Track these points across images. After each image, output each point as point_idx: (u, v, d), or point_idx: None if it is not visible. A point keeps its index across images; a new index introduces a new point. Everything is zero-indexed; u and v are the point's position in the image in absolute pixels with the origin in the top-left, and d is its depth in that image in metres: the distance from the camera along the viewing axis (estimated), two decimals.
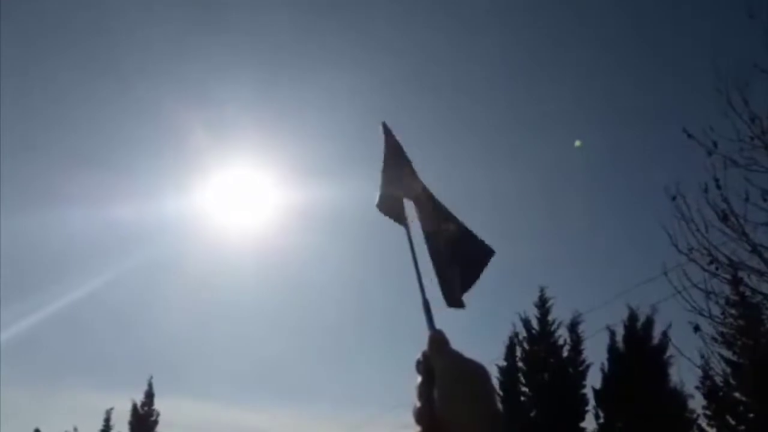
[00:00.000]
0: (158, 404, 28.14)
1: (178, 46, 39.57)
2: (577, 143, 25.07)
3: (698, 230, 8.58)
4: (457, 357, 0.85)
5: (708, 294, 8.96)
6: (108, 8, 33.87)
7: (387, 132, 1.33)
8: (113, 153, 42.23)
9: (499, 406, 0.82)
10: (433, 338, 0.90)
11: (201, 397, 37.55)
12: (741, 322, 12.55)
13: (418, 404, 0.85)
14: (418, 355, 0.89)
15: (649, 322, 20.23)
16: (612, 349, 20.60)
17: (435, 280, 1.17)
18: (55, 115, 40.99)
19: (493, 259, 1.18)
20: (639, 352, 19.72)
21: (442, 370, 0.84)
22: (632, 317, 20.50)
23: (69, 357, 42.26)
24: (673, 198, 8.93)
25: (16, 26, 32.19)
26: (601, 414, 20.21)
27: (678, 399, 18.66)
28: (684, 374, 23.02)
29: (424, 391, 0.85)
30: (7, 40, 31.05)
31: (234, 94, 36.65)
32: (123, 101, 40.93)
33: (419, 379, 0.87)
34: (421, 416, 0.84)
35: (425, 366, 0.87)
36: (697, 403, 18.05)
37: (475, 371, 0.83)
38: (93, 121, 40.98)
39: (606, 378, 20.40)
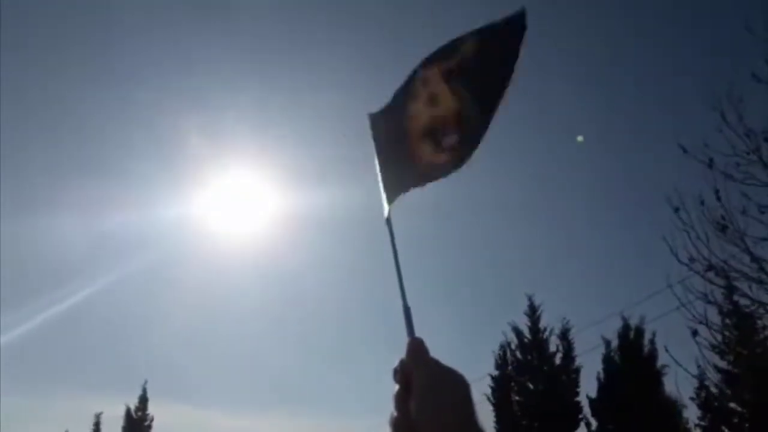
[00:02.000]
0: (153, 409, 28.13)
1: (176, 50, 39.63)
2: (579, 139, 25.28)
3: (699, 239, 8.60)
4: (436, 366, 0.83)
5: (707, 302, 8.97)
6: (106, 13, 33.94)
7: (372, 125, 1.31)
8: (109, 159, 42.18)
9: (478, 417, 0.78)
10: (411, 345, 0.87)
11: (196, 403, 37.38)
12: (736, 331, 12.57)
13: (395, 413, 0.83)
14: (396, 364, 0.86)
15: (640, 332, 20.45)
16: (606, 358, 20.72)
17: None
18: (51, 120, 40.96)
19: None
20: (632, 362, 19.88)
21: (419, 379, 0.81)
22: (625, 327, 20.73)
23: (64, 362, 41.95)
24: (676, 210, 8.95)
25: (12, 30, 32.22)
26: (594, 423, 20.27)
27: (672, 409, 18.75)
28: (681, 384, 23.19)
29: (401, 399, 0.82)
30: (5, 44, 31.07)
31: (232, 98, 36.72)
32: (119, 105, 40.92)
33: (396, 387, 0.84)
34: (397, 426, 0.82)
35: (402, 374, 0.84)
36: (692, 413, 18.08)
37: (454, 381, 0.80)
38: (89, 126, 40.95)
39: (601, 387, 20.48)
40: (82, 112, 39.92)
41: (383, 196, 1.18)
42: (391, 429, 0.83)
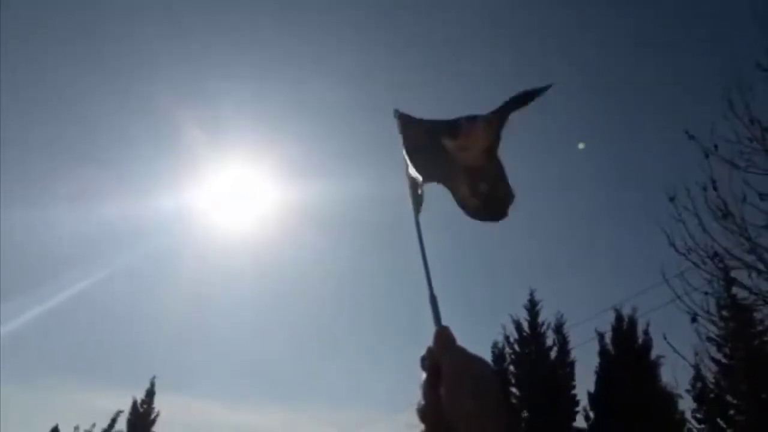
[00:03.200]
0: (159, 403, 28.30)
1: (174, 42, 39.36)
2: (581, 145, 25.51)
3: (699, 225, 8.59)
4: (465, 354, 0.83)
5: (704, 294, 8.98)
6: (104, 4, 33.66)
7: (402, 121, 1.33)
8: (111, 150, 41.92)
9: (505, 404, 0.78)
10: (439, 334, 0.87)
11: (200, 396, 37.33)
12: (733, 324, 12.61)
13: (423, 402, 0.82)
14: (423, 352, 0.86)
15: (633, 323, 20.52)
16: (602, 352, 20.83)
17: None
18: (50, 112, 40.66)
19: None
20: (626, 353, 19.98)
21: (449, 367, 0.81)
22: (618, 318, 20.84)
23: (70, 356, 41.72)
24: (671, 199, 8.96)
25: (10, 22, 31.94)
26: (591, 415, 20.36)
27: (668, 399, 18.83)
28: (678, 374, 23.31)
29: (429, 388, 0.82)
30: (3, 35, 30.80)
31: (230, 91, 36.53)
32: (118, 98, 40.67)
33: (423, 375, 0.84)
34: (425, 414, 0.82)
35: (430, 362, 0.84)
36: (687, 404, 18.15)
37: (481, 369, 0.81)
38: (88, 117, 40.65)
39: (598, 380, 20.58)
40: (81, 103, 39.71)
41: (412, 181, 1.22)
42: (418, 417, 0.83)
